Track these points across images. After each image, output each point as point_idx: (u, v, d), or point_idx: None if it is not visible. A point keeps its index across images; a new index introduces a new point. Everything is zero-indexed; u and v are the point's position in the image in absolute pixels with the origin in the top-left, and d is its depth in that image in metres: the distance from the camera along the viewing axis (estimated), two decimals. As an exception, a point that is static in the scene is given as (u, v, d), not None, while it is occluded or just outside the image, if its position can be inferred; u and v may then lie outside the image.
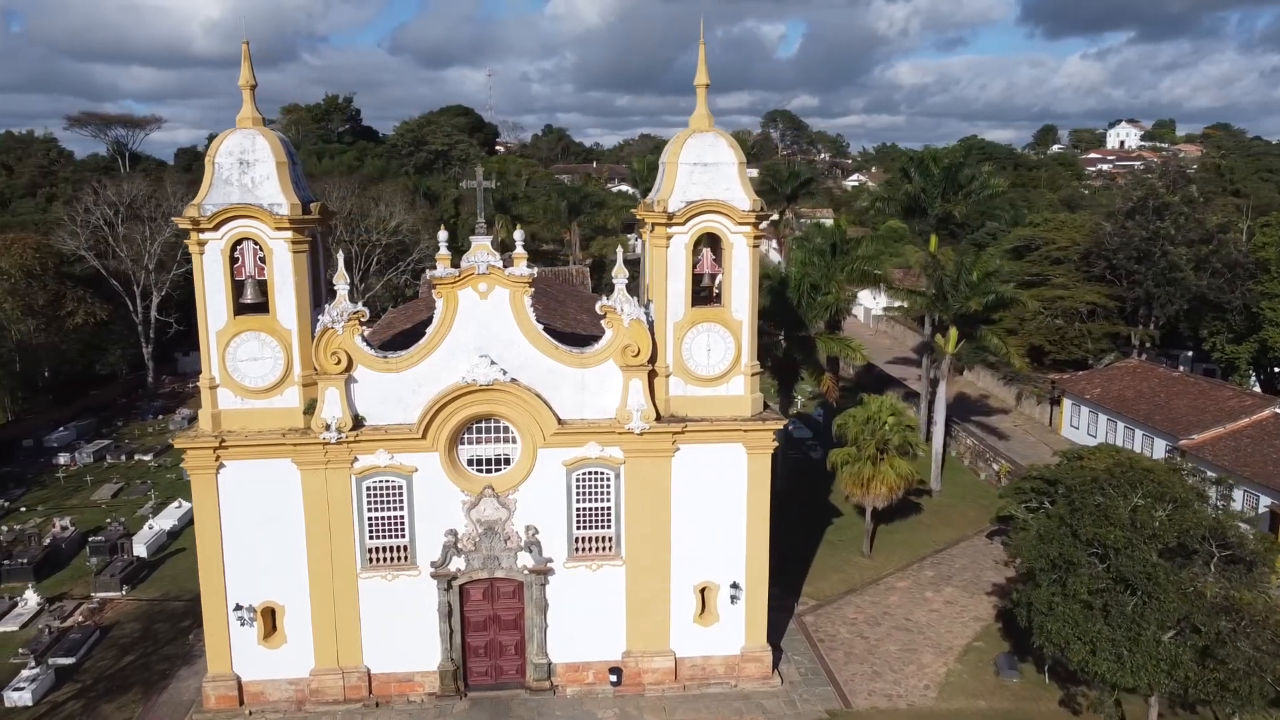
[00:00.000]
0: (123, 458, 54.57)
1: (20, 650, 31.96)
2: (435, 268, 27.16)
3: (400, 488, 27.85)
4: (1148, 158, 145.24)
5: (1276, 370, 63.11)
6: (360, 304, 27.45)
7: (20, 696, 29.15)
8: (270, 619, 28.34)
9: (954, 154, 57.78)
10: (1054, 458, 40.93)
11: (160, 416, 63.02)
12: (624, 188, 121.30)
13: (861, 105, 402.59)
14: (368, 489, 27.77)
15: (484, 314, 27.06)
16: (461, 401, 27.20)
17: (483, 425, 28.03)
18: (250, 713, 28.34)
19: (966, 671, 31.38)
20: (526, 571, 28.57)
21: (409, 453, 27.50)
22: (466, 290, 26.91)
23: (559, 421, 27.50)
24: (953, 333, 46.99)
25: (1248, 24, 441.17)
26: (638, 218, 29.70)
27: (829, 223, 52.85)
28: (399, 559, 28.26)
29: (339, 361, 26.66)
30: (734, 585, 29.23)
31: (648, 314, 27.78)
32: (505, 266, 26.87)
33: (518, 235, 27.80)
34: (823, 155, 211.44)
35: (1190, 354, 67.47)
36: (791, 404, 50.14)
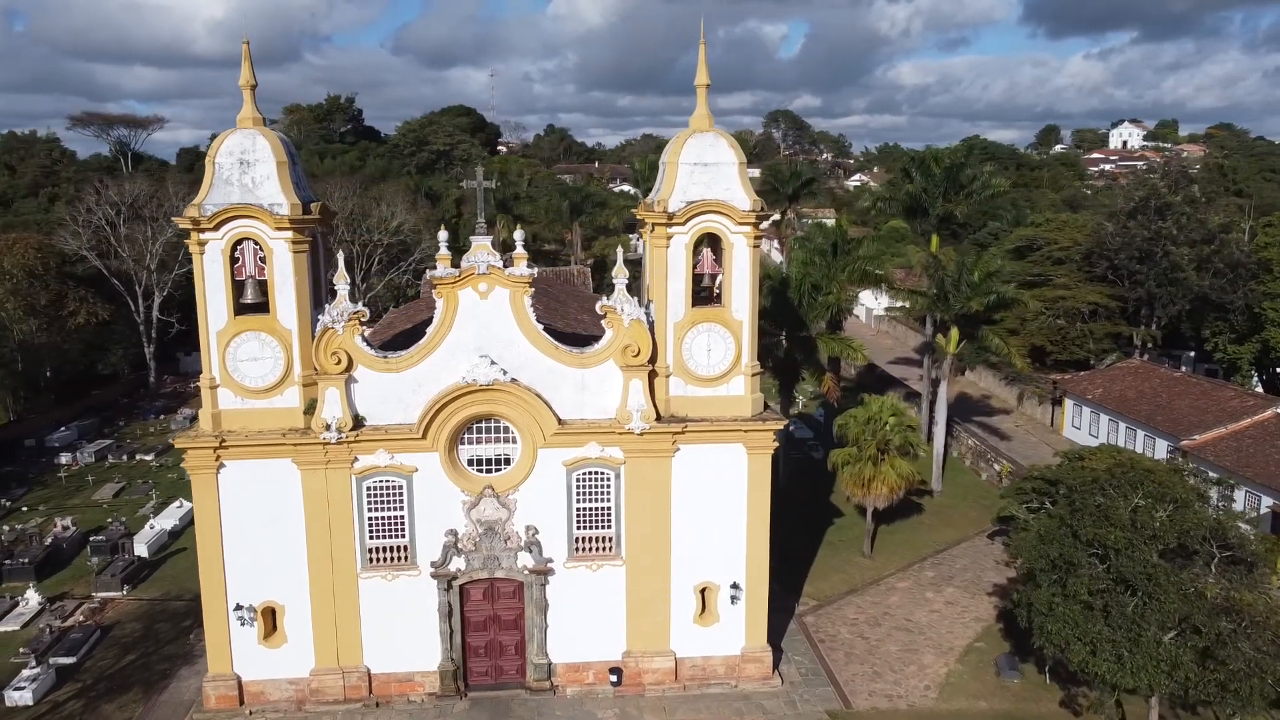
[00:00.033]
0: (124, 457, 54.65)
1: (21, 650, 32.01)
2: (436, 267, 27.17)
3: (400, 488, 27.86)
4: (1150, 158, 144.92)
5: (1278, 370, 63.03)
6: (361, 304, 27.46)
7: (21, 696, 29.18)
8: (270, 619, 28.36)
9: (955, 154, 57.53)
10: (1055, 458, 40.88)
11: (162, 416, 63.15)
12: (626, 188, 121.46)
13: (864, 105, 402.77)
14: (368, 489, 27.79)
15: (484, 314, 27.06)
16: (461, 401, 27.20)
17: (483, 425, 28.03)
18: (250, 712, 28.36)
19: (967, 672, 31.36)
20: (527, 571, 28.57)
21: (409, 453, 27.51)
22: (467, 290, 26.91)
23: (559, 421, 27.50)
24: (954, 333, 46.98)
25: (1251, 24, 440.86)
26: (638, 218, 29.68)
27: (831, 223, 52.78)
28: (399, 559, 28.27)
29: (339, 361, 26.67)
30: (734, 585, 29.22)
31: (648, 314, 27.77)
32: (506, 266, 26.87)
33: (518, 235, 27.81)
34: (825, 155, 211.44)
35: (1192, 354, 67.39)
36: (793, 404, 50.14)
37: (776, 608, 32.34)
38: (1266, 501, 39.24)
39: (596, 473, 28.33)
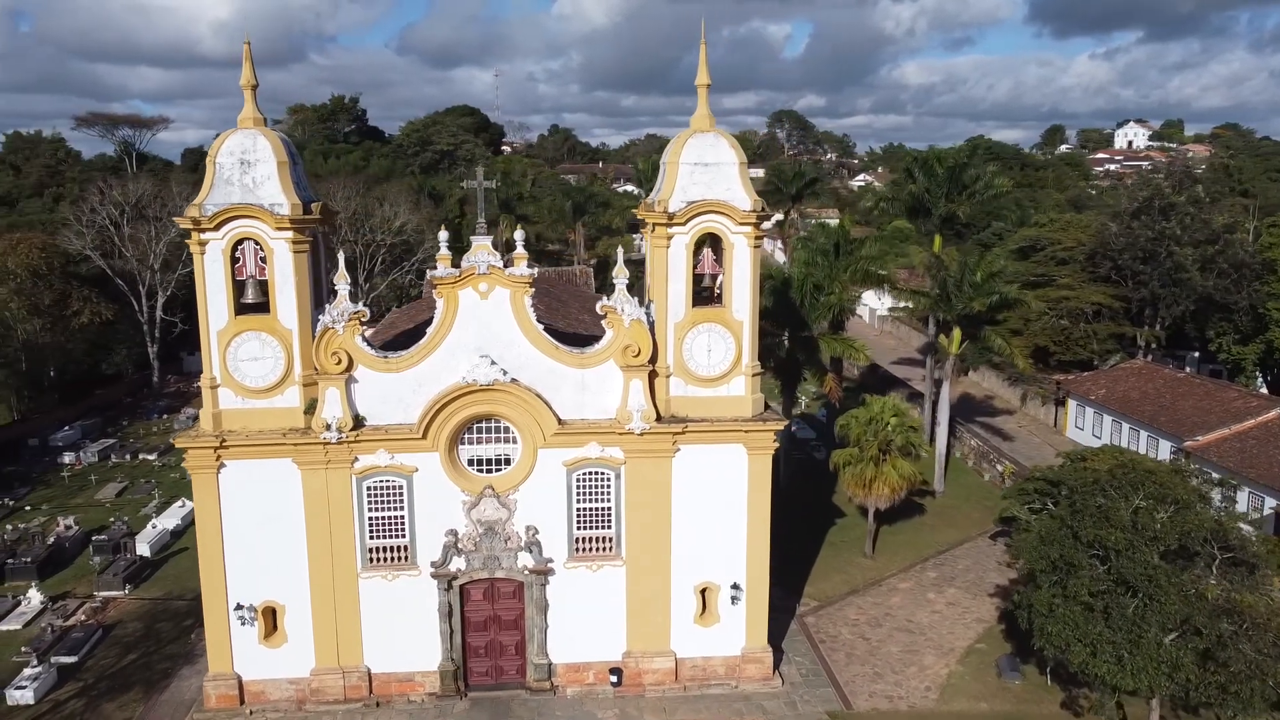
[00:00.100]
0: (127, 457, 54.77)
1: (23, 649, 32.09)
2: (437, 267, 27.18)
3: (400, 488, 27.87)
4: (1156, 158, 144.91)
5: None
6: (363, 304, 27.49)
7: (22, 695, 29.24)
8: (271, 618, 28.38)
9: (958, 154, 57.53)
10: (1058, 459, 40.75)
11: (165, 416, 63.30)
12: (629, 188, 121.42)
13: (868, 105, 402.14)
14: (368, 489, 27.80)
15: (484, 314, 27.07)
16: (462, 401, 27.21)
17: (483, 425, 28.03)
18: (251, 712, 28.39)
19: (968, 673, 31.30)
20: (527, 572, 28.57)
21: (409, 453, 27.52)
22: (467, 290, 26.92)
23: (559, 422, 27.50)
24: (956, 333, 46.92)
25: (1258, 23, 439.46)
26: (639, 218, 29.66)
27: (834, 223, 52.72)
28: (399, 559, 28.28)
29: (339, 361, 26.69)
30: (734, 586, 29.19)
31: (648, 314, 27.75)
32: (506, 266, 26.87)
33: (518, 235, 27.86)
34: (829, 155, 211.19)
35: (1196, 355, 67.21)
36: (795, 404, 50.03)
37: (777, 608, 32.33)
38: (1270, 503, 39.11)
39: (597, 473, 28.32)
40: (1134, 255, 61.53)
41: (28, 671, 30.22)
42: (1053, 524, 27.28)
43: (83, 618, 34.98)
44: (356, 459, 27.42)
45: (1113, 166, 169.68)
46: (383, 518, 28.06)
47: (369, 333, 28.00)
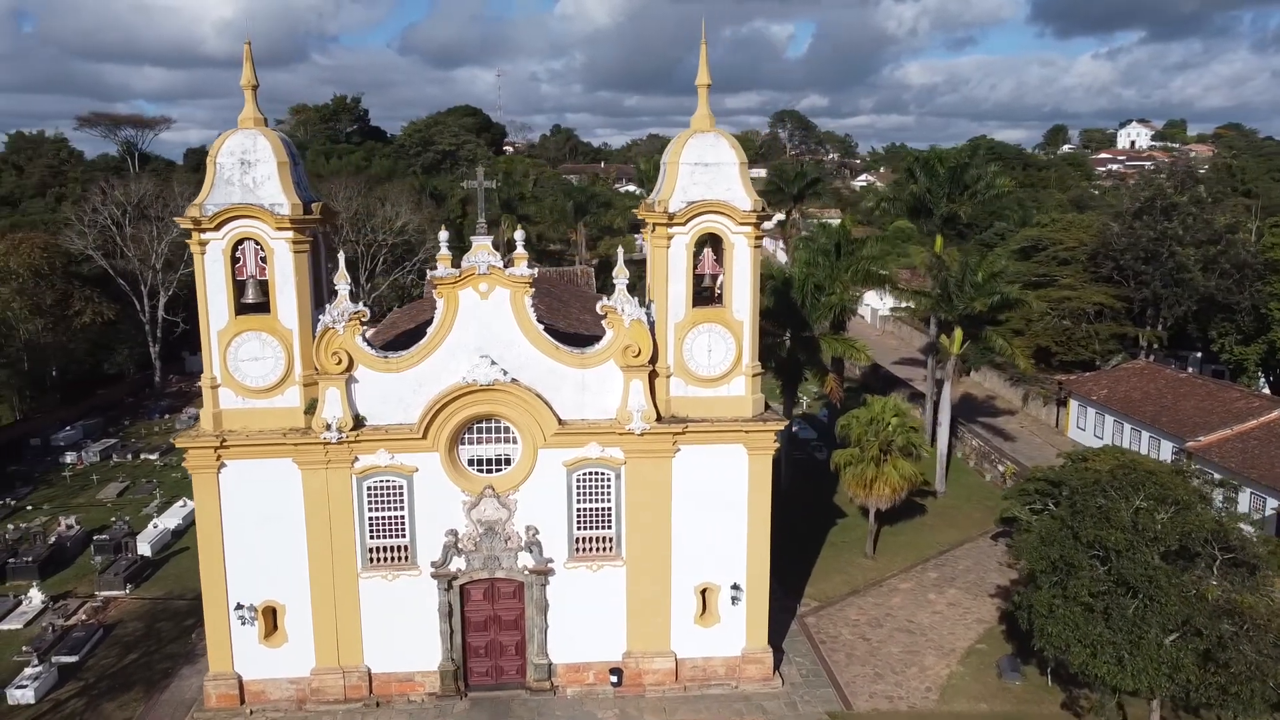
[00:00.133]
0: (129, 456, 54.82)
1: (24, 648, 32.10)
2: (438, 267, 27.18)
3: (401, 487, 27.87)
4: (1158, 158, 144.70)
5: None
6: (364, 304, 27.50)
7: (23, 694, 29.26)
8: (271, 618, 28.39)
9: (959, 154, 57.46)
10: (1059, 459, 40.73)
11: (167, 415, 63.36)
12: (631, 188, 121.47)
13: (871, 105, 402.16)
14: (368, 489, 27.80)
15: (485, 314, 27.06)
16: (462, 401, 27.21)
17: (483, 425, 28.03)
18: (251, 712, 28.40)
19: (969, 674, 31.27)
20: (527, 572, 28.57)
21: (409, 453, 27.52)
22: (467, 290, 26.91)
23: (559, 422, 27.49)
24: (957, 333, 46.86)
25: (1260, 23, 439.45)
26: (640, 218, 29.65)
27: (836, 223, 52.70)
28: (399, 559, 28.28)
29: (340, 361, 26.69)
30: (735, 586, 29.17)
31: (649, 314, 27.74)
32: (507, 266, 26.86)
33: (518, 235, 27.87)
34: (831, 155, 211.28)
35: (1199, 355, 67.11)
36: (796, 405, 50.03)
37: (778, 608, 32.34)
38: (1271, 503, 39.04)
39: (597, 473, 28.31)
40: (1136, 255, 61.45)
41: (28, 671, 30.26)
42: (1053, 524, 27.26)
43: (84, 617, 35.02)
44: (357, 459, 27.43)
45: (1115, 166, 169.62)
46: (383, 518, 28.06)
47: (370, 333, 28.00)
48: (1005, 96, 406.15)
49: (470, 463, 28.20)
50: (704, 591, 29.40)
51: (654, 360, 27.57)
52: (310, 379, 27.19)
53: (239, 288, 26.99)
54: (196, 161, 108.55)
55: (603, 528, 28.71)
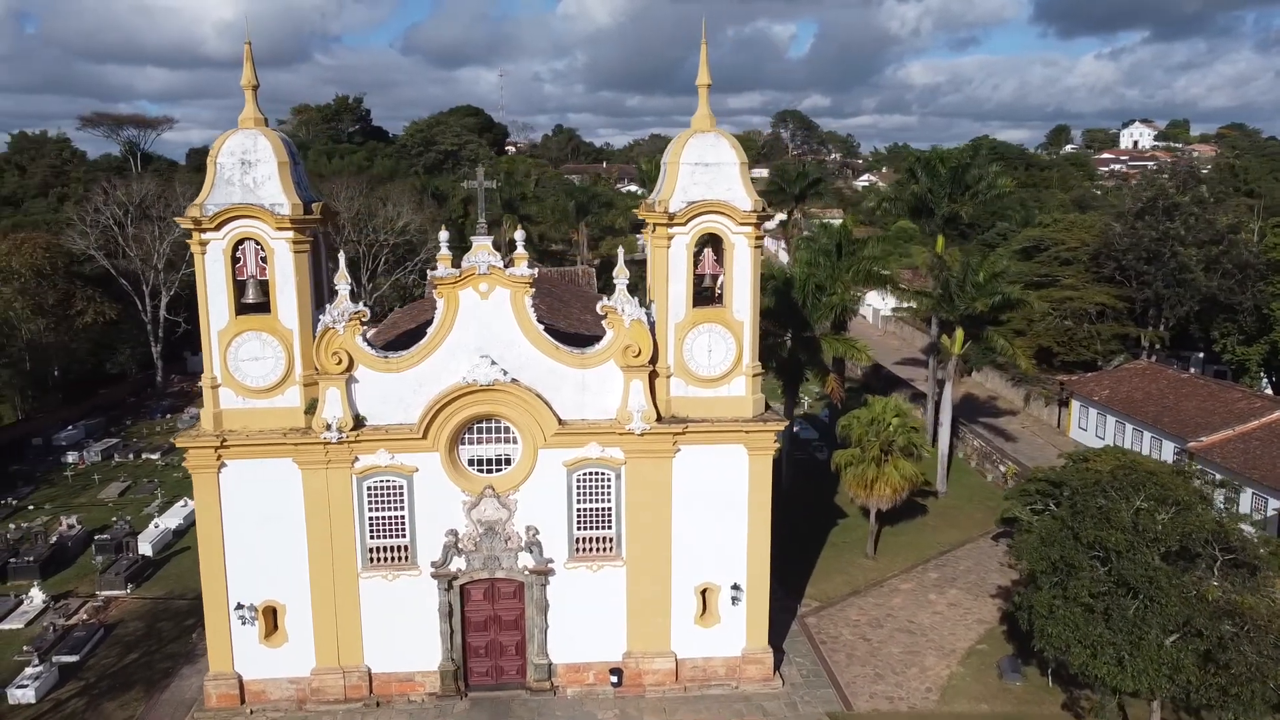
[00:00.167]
0: (130, 456, 54.88)
1: (25, 648, 32.13)
2: (438, 268, 27.18)
3: (401, 487, 27.87)
4: (1161, 158, 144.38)
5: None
6: (365, 304, 27.52)
7: (24, 694, 29.29)
8: (271, 618, 28.40)
9: (961, 154, 57.41)
10: (1060, 460, 40.68)
11: (168, 415, 63.43)
12: (633, 188, 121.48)
13: (873, 105, 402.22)
14: (368, 489, 27.81)
15: (485, 314, 27.05)
16: (462, 402, 27.20)
17: (483, 425, 28.03)
18: (251, 711, 28.41)
19: (969, 674, 31.23)
20: (527, 572, 28.56)
21: (410, 453, 27.52)
22: (467, 290, 26.91)
23: (560, 422, 27.48)
24: (959, 334, 46.83)
25: (1264, 23, 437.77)
26: (640, 218, 29.64)
27: (837, 223, 52.69)
28: (400, 559, 28.29)
29: (340, 361, 26.70)
30: (735, 587, 29.16)
31: (649, 314, 27.72)
32: (507, 267, 26.86)
33: (518, 235, 27.88)
34: (833, 155, 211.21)
35: (1201, 355, 67.02)
36: (797, 405, 49.99)
37: (778, 609, 32.33)
38: (1273, 504, 38.97)
39: (597, 473, 28.30)
40: (1138, 255, 61.36)
41: (29, 670, 30.29)
42: (1053, 525, 27.22)
43: (84, 617, 35.05)
44: (357, 459, 27.43)
45: (1118, 166, 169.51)
46: (383, 518, 28.06)
47: (370, 332, 28.00)
48: (1008, 96, 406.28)
49: (470, 463, 28.19)
50: (704, 592, 29.39)
51: (654, 360, 27.56)
52: (310, 379, 27.20)
53: (239, 288, 27.00)
54: (199, 162, 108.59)
55: (603, 528, 28.70)
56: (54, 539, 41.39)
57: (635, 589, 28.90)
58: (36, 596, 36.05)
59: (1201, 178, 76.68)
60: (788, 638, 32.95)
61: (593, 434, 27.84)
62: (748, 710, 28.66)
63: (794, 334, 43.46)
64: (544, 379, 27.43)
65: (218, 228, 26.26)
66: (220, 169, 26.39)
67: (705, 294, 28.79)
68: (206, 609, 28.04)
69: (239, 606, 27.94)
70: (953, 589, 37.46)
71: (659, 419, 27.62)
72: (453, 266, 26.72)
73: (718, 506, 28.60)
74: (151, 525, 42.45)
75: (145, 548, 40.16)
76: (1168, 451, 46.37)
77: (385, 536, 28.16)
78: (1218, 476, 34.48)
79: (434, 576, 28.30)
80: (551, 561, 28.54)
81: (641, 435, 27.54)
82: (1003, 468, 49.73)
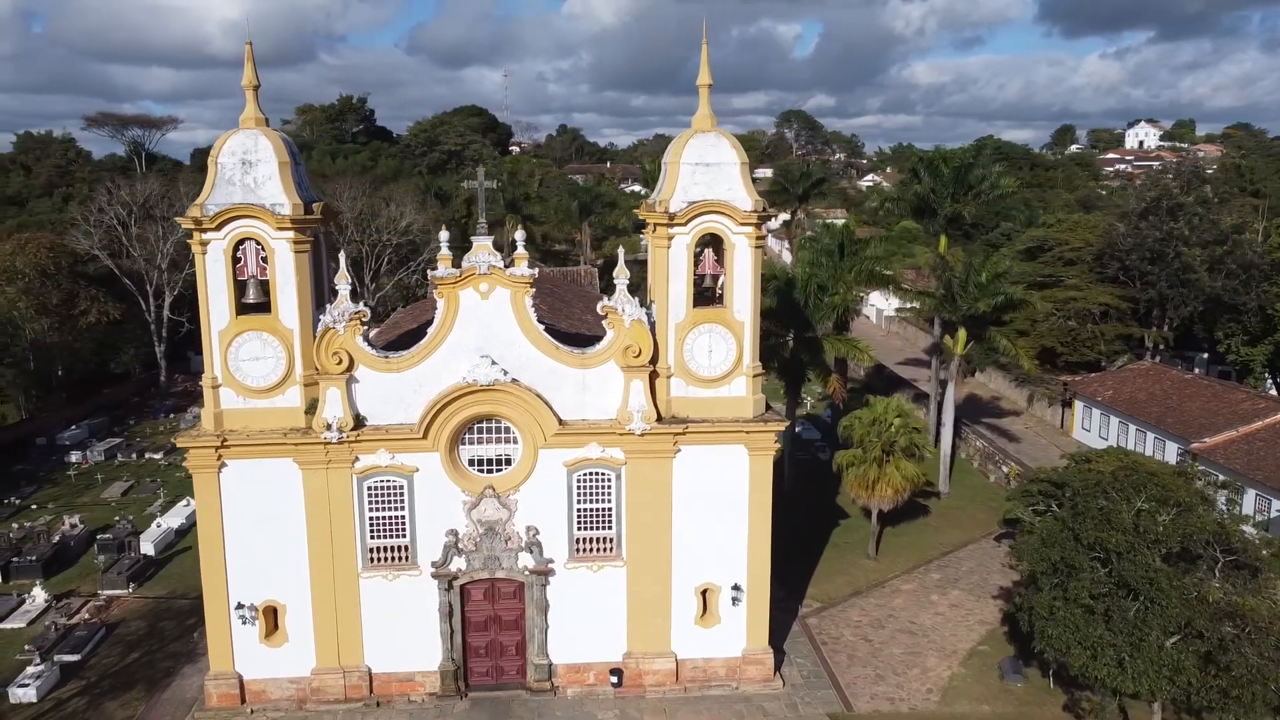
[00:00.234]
0: (134, 456, 54.97)
1: (26, 647, 32.19)
2: (439, 268, 27.19)
3: (401, 487, 27.88)
4: (1166, 158, 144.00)
5: (1292, 372, 62.46)
6: (367, 304, 27.58)
7: (25, 693, 29.34)
8: (272, 618, 28.43)
9: (964, 154, 57.36)
10: (1063, 460, 40.57)
11: (172, 415, 63.54)
12: (637, 188, 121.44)
13: (878, 105, 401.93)
14: (369, 489, 27.82)
15: (485, 314, 27.05)
16: (462, 402, 27.20)
17: (484, 425, 28.03)
18: (252, 711, 28.44)
19: (970, 676, 31.17)
20: (527, 572, 28.56)
21: (410, 453, 27.52)
22: (468, 290, 26.91)
23: (560, 422, 27.47)
24: (961, 334, 46.76)
25: (1270, 23, 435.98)
26: (641, 218, 29.62)
27: (840, 223, 52.65)
28: (400, 559, 28.30)
29: (340, 361, 26.71)
30: (735, 587, 29.13)
31: (649, 314, 27.70)
32: (508, 266, 26.85)
33: (518, 235, 27.87)
34: (837, 155, 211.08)
35: (1205, 356, 66.83)
36: (799, 405, 49.98)
37: (779, 609, 32.29)
38: (1277, 505, 38.85)
39: (597, 473, 28.29)
40: (1142, 256, 61.18)
41: (31, 669, 30.34)
42: (1054, 526, 27.15)
43: (86, 616, 35.12)
44: (357, 459, 27.45)
45: (1123, 166, 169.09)
46: (383, 517, 28.07)
47: (372, 333, 28.01)
48: (1013, 96, 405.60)
49: (471, 463, 28.20)
50: (704, 592, 29.36)
51: (655, 360, 27.54)
52: (311, 379, 27.21)
53: (240, 287, 27.02)
54: (202, 162, 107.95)
55: (603, 528, 28.69)
56: (56, 538, 41.48)
57: (635, 589, 28.89)
58: (39, 596, 36.12)
59: (1206, 178, 76.58)
60: (789, 638, 32.91)
61: (593, 434, 27.83)
62: (748, 711, 28.64)
63: (796, 334, 43.41)
64: (544, 379, 27.43)
65: (218, 228, 26.29)
66: (221, 169, 26.43)
67: (706, 294, 28.76)
68: (207, 609, 28.07)
69: (239, 606, 27.97)
70: (955, 590, 37.39)
71: (659, 419, 27.60)
72: (453, 266, 26.73)
73: (718, 507, 28.57)
74: (154, 525, 42.52)
75: (147, 547, 40.24)
76: (1171, 452, 46.24)
77: (385, 536, 28.18)
78: (1221, 478, 34.35)
79: (434, 576, 28.31)
80: (552, 562, 28.54)
81: (642, 435, 27.52)
82: (1005, 468, 49.63)
